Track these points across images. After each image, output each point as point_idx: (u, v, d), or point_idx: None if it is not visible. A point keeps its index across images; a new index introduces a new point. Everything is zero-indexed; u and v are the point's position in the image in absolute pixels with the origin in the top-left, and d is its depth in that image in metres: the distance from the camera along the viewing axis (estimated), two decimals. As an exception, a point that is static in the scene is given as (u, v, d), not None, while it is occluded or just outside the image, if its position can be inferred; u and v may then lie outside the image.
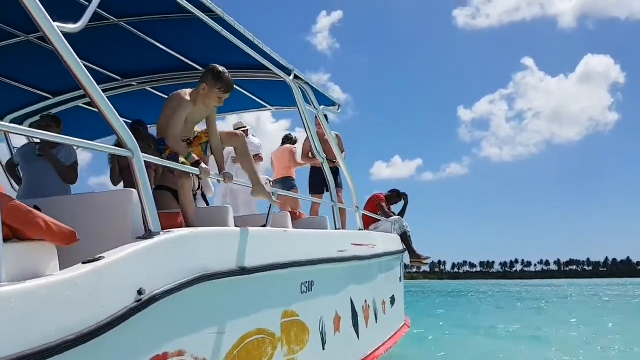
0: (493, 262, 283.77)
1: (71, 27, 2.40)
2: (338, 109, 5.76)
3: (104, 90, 5.66)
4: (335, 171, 6.41)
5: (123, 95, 5.55)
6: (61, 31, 2.28)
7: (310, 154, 6.71)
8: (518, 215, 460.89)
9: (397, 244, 7.16)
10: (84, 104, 5.75)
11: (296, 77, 4.77)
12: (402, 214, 8.38)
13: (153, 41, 4.45)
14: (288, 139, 7.28)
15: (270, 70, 4.47)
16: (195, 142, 3.65)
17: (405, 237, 7.70)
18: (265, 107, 6.25)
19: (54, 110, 5.59)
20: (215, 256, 2.83)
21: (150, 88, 5.65)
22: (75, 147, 4.58)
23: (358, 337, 5.00)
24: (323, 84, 6.35)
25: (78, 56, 4.97)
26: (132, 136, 2.53)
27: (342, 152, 6.11)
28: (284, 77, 4.61)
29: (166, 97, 5.81)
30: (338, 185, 6.55)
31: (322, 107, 5.36)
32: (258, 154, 6.91)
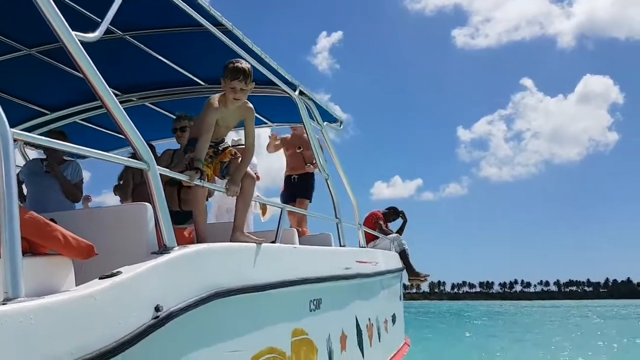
0: (492, 283, 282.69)
1: (89, 36, 2.35)
2: (340, 126, 5.75)
3: (102, 106, 5.67)
4: (309, 180, 6.38)
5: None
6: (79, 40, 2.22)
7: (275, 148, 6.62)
8: (517, 235, 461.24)
9: (396, 262, 7.11)
10: (82, 119, 5.69)
11: (301, 92, 4.75)
12: (400, 231, 8.34)
13: (157, 55, 4.41)
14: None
15: (276, 85, 4.45)
16: (226, 154, 3.44)
17: (404, 255, 7.65)
18: (266, 123, 6.22)
19: (51, 127, 5.52)
20: (229, 272, 2.75)
21: (150, 104, 5.60)
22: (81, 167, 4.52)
23: (363, 356, 4.90)
24: (333, 107, 6.36)
25: (76, 69, 4.94)
26: (149, 148, 2.46)
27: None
28: (289, 92, 4.59)
29: (166, 112, 5.80)
30: (307, 197, 6.53)
31: (325, 123, 5.34)
32: (255, 173, 6.84)
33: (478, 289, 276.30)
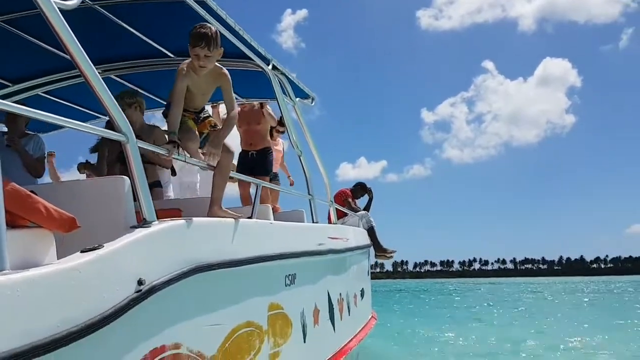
0: (452, 261, 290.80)
1: (69, 3, 2.26)
2: (312, 102, 5.72)
3: (66, 78, 5.45)
4: (267, 156, 6.11)
5: (84, 84, 5.30)
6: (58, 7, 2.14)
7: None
8: (476, 215, 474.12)
9: (365, 238, 7.21)
10: (44, 92, 5.47)
11: (274, 67, 4.70)
12: (367, 208, 8.45)
13: (126, 26, 4.26)
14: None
15: (249, 58, 4.38)
16: (205, 124, 3.41)
17: (371, 232, 7.76)
18: (236, 99, 6.12)
19: (13, 99, 5.30)
20: (209, 247, 2.74)
21: (115, 76, 5.43)
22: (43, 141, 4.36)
23: (334, 329, 4.99)
24: (306, 84, 6.25)
25: (41, 40, 4.72)
26: (127, 121, 2.41)
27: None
28: (262, 66, 4.53)
29: (132, 85, 5.64)
30: (267, 173, 6.47)
31: (297, 99, 5.31)
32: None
33: (439, 268, 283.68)
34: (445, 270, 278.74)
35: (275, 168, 6.75)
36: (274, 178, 6.70)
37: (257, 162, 5.99)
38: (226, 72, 3.35)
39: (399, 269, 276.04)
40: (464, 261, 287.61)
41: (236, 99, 6.10)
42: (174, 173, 4.95)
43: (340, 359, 5.07)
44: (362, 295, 6.63)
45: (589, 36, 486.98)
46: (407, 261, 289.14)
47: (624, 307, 18.12)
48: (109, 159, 4.26)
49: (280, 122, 5.88)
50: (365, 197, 8.61)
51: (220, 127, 3.45)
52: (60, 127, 5.56)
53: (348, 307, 5.69)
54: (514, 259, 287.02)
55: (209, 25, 3.25)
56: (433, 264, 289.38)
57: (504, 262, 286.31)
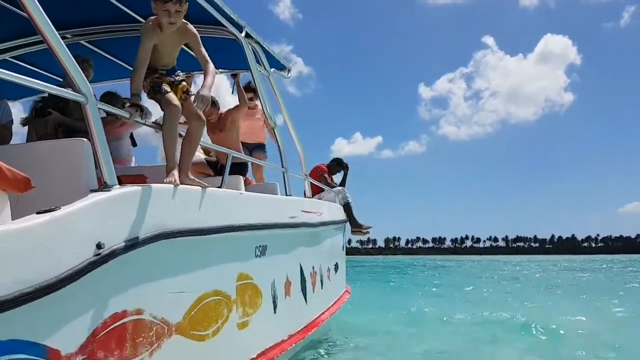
0: (445, 238, 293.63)
1: None
2: (288, 74, 5.64)
3: (33, 43, 5.28)
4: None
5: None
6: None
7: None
8: (470, 192, 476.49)
9: (341, 214, 7.22)
10: (12, 57, 5.30)
11: (248, 35, 4.60)
12: (343, 183, 8.45)
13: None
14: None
15: (222, 25, 4.28)
16: (178, 90, 3.23)
17: (347, 208, 7.77)
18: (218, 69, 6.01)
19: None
20: (174, 214, 2.70)
21: (85, 42, 5.27)
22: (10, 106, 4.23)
23: (306, 302, 5.01)
24: (285, 56, 6.12)
25: (9, 2, 4.53)
26: (87, 81, 2.33)
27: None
28: (235, 34, 4.43)
29: (102, 52, 5.49)
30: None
31: (272, 70, 5.23)
32: None
33: (431, 244, 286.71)
34: (437, 247, 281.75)
35: (260, 138, 6.66)
36: (262, 149, 6.64)
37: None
38: (191, 27, 3.26)
39: (391, 245, 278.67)
40: (456, 238, 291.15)
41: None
42: (134, 144, 4.84)
43: (312, 330, 5.11)
44: (336, 269, 6.67)
45: (591, 13, 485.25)
46: (399, 237, 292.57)
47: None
48: (41, 132, 4.07)
49: (247, 88, 5.72)
50: (341, 173, 8.59)
51: (192, 96, 3.34)
52: (29, 94, 5.43)
53: (321, 281, 5.72)
54: (506, 236, 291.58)
55: None
56: (425, 241, 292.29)
57: (495, 239, 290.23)
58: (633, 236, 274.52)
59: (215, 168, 5.47)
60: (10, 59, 5.23)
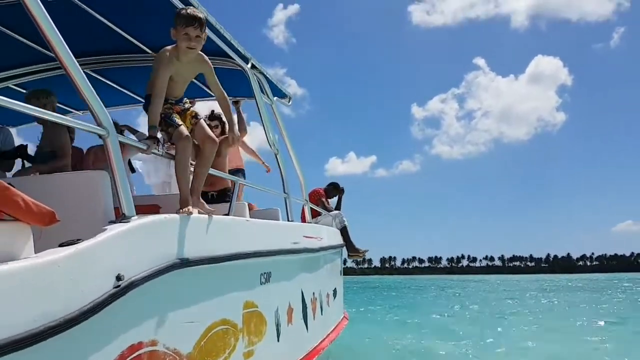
0: (440, 258, 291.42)
1: None
2: (289, 102, 5.74)
3: (38, 71, 5.33)
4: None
5: (57, 77, 5.19)
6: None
7: None
8: (465, 212, 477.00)
9: (338, 238, 7.25)
10: (15, 84, 5.34)
11: (253, 66, 4.70)
12: (338, 207, 8.49)
13: (103, 20, 4.20)
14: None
15: (229, 57, 4.37)
16: (187, 116, 3.28)
17: (344, 232, 7.81)
18: (212, 96, 6.07)
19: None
20: (187, 243, 2.72)
21: (91, 71, 5.34)
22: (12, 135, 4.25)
23: (307, 329, 5.01)
24: (279, 79, 6.21)
25: (14, 31, 4.60)
26: (108, 114, 2.38)
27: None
28: (242, 65, 4.53)
29: (107, 81, 5.55)
30: None
31: (275, 98, 5.32)
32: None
33: (427, 264, 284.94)
34: (434, 266, 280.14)
35: (239, 163, 6.66)
36: (242, 174, 6.66)
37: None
38: (206, 57, 3.29)
39: (387, 265, 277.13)
40: (452, 258, 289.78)
41: (212, 97, 6.07)
42: (132, 170, 4.88)
43: (313, 358, 5.09)
44: (334, 294, 6.67)
45: (581, 34, 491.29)
46: (395, 257, 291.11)
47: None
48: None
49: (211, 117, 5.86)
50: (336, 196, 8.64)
51: (201, 120, 3.35)
52: (31, 121, 5.45)
53: (321, 307, 5.72)
54: (502, 256, 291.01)
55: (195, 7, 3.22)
56: (421, 260, 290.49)
57: (492, 259, 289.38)
58: (628, 254, 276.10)
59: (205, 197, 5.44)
60: (13, 86, 5.27)
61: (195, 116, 3.30)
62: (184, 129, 3.12)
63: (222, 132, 6.12)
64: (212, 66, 3.33)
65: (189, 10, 3.04)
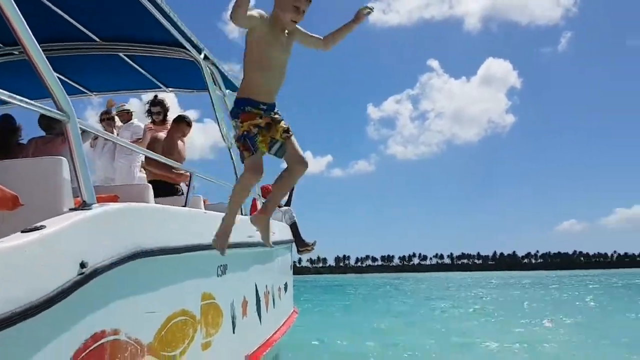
0: (393, 256, 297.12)
1: None
2: (241, 95, 5.69)
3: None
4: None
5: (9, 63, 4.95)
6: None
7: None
8: (417, 211, 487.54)
9: (288, 233, 7.30)
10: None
11: (206, 57, 4.65)
12: (288, 203, 8.54)
13: (52, 6, 4.04)
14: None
15: (182, 47, 4.32)
16: (278, 129, 2.73)
17: (294, 227, 7.87)
18: (160, 87, 5.97)
19: None
20: (149, 233, 2.69)
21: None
22: None
23: (260, 321, 5.03)
24: (235, 75, 6.07)
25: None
26: (69, 100, 2.32)
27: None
28: (194, 56, 4.48)
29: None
30: None
31: (228, 91, 5.28)
32: (140, 138, 6.42)
33: (380, 262, 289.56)
34: (386, 265, 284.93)
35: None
36: None
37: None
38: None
39: (341, 264, 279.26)
40: (403, 256, 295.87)
41: (160, 88, 5.97)
42: None
43: (266, 350, 5.12)
44: (285, 289, 6.71)
45: (530, 38, 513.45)
46: (349, 256, 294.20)
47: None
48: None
49: (153, 103, 5.91)
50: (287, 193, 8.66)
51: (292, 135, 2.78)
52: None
53: (273, 300, 5.74)
54: (451, 254, 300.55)
55: None
56: (374, 259, 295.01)
57: (441, 257, 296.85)
58: (570, 252, 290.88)
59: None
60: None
61: (287, 130, 2.75)
62: (259, 161, 2.67)
63: (164, 118, 6.04)
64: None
65: None
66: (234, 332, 4.11)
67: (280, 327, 6.10)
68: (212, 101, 4.77)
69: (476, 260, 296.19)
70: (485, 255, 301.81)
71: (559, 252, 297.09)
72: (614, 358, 7.28)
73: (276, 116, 2.72)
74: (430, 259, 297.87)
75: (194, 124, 5.71)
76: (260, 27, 2.52)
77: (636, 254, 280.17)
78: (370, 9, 2.68)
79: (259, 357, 4.80)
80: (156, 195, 4.09)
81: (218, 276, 3.82)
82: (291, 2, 2.48)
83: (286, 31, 2.63)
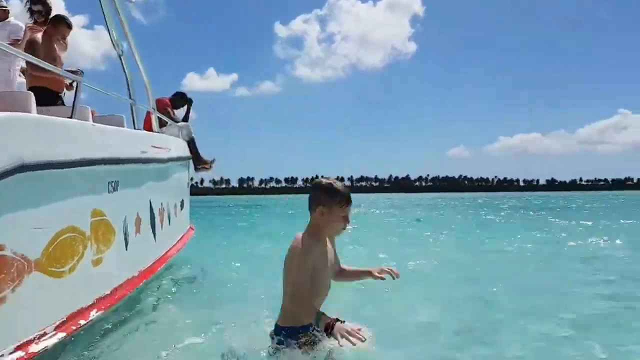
0: (297, 178, 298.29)
1: None
2: (133, 1, 5.25)
3: None
4: None
5: None
6: None
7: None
8: (321, 134, 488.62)
9: (185, 150, 7.14)
10: None
11: (94, -46, 4.20)
12: (186, 118, 8.27)
13: None
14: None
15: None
16: None
17: (192, 143, 7.68)
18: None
19: None
20: (32, 146, 2.52)
21: None
22: None
23: (155, 238, 5.00)
24: None
25: None
26: None
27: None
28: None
29: None
30: None
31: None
32: (18, 40, 5.73)
33: (284, 184, 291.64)
34: (290, 186, 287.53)
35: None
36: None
37: None
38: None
39: (245, 185, 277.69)
40: (307, 178, 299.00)
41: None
42: None
43: (161, 266, 5.13)
44: (181, 206, 6.67)
45: None
46: (253, 177, 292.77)
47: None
48: None
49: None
50: (185, 108, 8.37)
51: None
52: None
53: (169, 217, 5.70)
54: (351, 176, 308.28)
55: None
56: (278, 181, 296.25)
57: (342, 179, 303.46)
58: (456, 176, 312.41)
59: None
60: None
61: None
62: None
63: (47, 17, 5.34)
64: None
65: (345, 191, 2.74)
66: (126, 249, 4.06)
67: (176, 243, 6.12)
68: (100, 3, 4.37)
69: (373, 183, 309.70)
70: (382, 179, 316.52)
71: (446, 176, 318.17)
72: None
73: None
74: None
75: (80, 29, 5.20)
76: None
77: (514, 179, 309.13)
78: (383, 278, 2.96)
79: (154, 272, 4.82)
80: (37, 105, 3.72)
81: (109, 193, 3.69)
82: (339, 213, 2.69)
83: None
